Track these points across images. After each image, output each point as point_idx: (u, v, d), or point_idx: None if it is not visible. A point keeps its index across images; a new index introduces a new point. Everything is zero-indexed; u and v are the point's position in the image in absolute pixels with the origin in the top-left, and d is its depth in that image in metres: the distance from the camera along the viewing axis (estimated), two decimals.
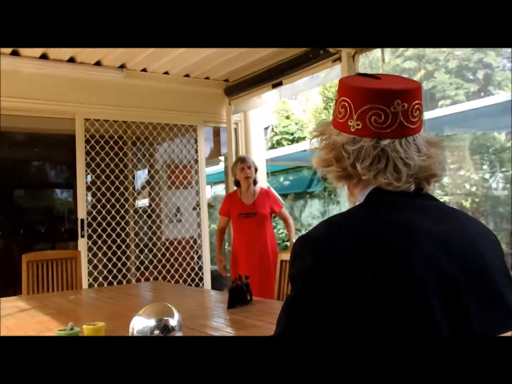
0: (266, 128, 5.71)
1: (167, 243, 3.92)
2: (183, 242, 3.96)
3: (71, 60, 3.34)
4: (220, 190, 10.60)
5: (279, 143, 12.23)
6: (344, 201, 8.09)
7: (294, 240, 3.01)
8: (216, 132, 4.90)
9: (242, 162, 2.97)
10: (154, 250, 3.83)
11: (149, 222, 3.87)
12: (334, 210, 8.56)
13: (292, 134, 12.18)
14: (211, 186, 10.73)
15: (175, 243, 3.93)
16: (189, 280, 3.88)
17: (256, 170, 3.01)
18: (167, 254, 3.84)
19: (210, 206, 5.13)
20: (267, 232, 2.92)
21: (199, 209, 4.02)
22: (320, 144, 0.70)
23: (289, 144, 11.73)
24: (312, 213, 8.60)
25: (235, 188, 3.08)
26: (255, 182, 3.00)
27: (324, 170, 0.70)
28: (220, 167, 7.01)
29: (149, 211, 3.96)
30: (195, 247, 4.08)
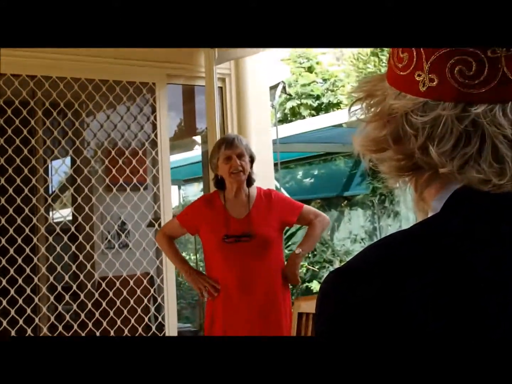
0: (273, 88, 5.71)
1: (103, 284, 3.92)
2: (131, 283, 3.97)
3: None
4: (194, 193, 10.60)
5: (295, 113, 12.21)
6: (408, 212, 8.09)
7: (298, 252, 3.02)
8: (189, 95, 4.90)
9: (228, 147, 2.94)
10: (81, 296, 3.82)
11: (73, 248, 3.87)
12: (391, 228, 8.52)
13: (317, 97, 12.17)
14: (180, 187, 10.76)
15: (118, 283, 3.93)
16: None
17: (252, 160, 2.99)
18: (104, 303, 3.85)
19: None
20: (272, 266, 2.89)
21: (159, 225, 4.04)
22: (367, 114, 0.70)
23: (312, 115, 11.72)
24: (353, 233, 8.56)
25: (215, 189, 3.06)
26: (250, 181, 3.00)
27: (374, 158, 0.71)
28: (195, 154, 7.02)
29: (73, 229, 3.96)
30: (152, 290, 4.08)
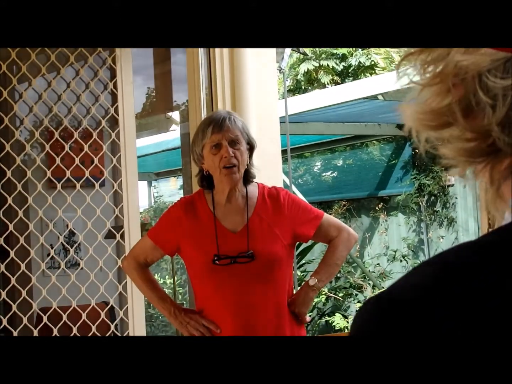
0: None
1: (44, 318, 3.94)
2: (84, 316, 3.98)
3: None
4: (170, 191, 10.61)
5: (312, 80, 12.20)
6: (468, 218, 8.09)
7: (313, 283, 3.02)
8: (162, 53, 4.89)
9: (217, 130, 2.92)
10: (14, 334, 3.83)
11: (2, 267, 3.88)
12: (444, 240, 8.50)
13: (343, 58, 12.16)
14: (150, 183, 10.78)
15: (65, 317, 3.95)
16: None
17: (251, 147, 2.98)
18: None
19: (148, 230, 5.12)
20: (280, 296, 2.92)
21: (121, 237, 4.06)
22: (423, 75, 0.71)
23: (336, 82, 11.71)
24: (391, 248, 8.52)
25: (200, 188, 3.07)
26: (248, 178, 3.02)
27: (433, 137, 0.71)
28: (171, 137, 7.02)
29: (1, 241, 3.96)
30: (112, 326, 4.10)
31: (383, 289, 0.69)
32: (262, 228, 2.91)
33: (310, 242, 7.84)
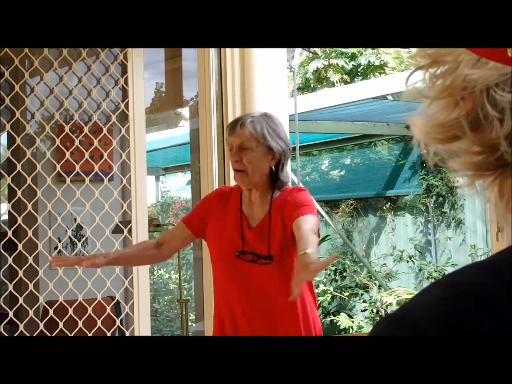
0: None
1: (50, 311, 3.96)
2: (89, 310, 4.01)
3: None
4: (177, 186, 10.59)
5: (321, 79, 12.18)
6: (476, 220, 8.08)
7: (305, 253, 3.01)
8: (172, 51, 4.88)
9: (229, 133, 2.94)
10: (20, 327, 3.85)
11: (10, 260, 3.91)
12: (451, 242, 8.47)
13: (352, 57, 12.14)
14: (158, 178, 10.77)
15: (71, 311, 3.98)
16: None
17: (277, 152, 2.97)
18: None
19: (156, 224, 5.14)
20: (303, 300, 2.96)
21: (129, 231, 4.08)
22: (431, 88, 0.71)
23: (345, 82, 11.68)
24: (398, 249, 8.47)
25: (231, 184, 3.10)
26: (276, 182, 2.96)
27: (442, 150, 0.71)
28: (180, 132, 7.01)
29: (9, 233, 3.99)
30: (117, 321, 4.12)
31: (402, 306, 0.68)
32: (276, 229, 2.93)
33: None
